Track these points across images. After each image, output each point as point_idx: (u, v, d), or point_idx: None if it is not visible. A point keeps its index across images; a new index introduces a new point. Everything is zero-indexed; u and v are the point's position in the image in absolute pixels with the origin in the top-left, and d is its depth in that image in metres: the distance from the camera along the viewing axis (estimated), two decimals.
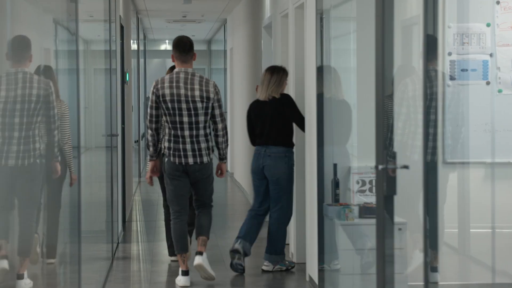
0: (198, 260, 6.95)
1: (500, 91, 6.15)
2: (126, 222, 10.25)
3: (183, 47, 6.99)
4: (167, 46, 24.34)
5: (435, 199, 4.69)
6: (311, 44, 6.98)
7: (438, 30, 4.42)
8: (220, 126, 6.98)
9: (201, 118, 6.87)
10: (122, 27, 10.01)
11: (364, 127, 5.98)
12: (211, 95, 6.89)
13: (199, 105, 6.84)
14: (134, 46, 14.19)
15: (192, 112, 6.83)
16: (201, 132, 6.89)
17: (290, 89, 8.13)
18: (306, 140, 7.27)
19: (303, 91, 7.60)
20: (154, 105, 6.89)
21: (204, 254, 7.00)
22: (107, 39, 8.09)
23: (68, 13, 5.47)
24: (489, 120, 6.03)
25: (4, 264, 4.88)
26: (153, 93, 6.88)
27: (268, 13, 9.88)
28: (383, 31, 4.54)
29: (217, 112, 6.94)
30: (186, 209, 7.09)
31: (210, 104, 6.89)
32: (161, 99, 6.85)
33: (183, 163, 6.90)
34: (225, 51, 18.10)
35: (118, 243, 8.86)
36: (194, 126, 6.86)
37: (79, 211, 5.68)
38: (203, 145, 6.90)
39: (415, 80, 5.42)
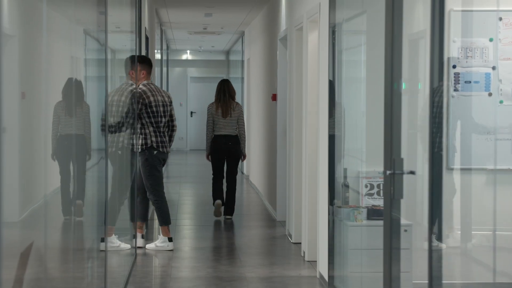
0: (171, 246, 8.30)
1: (501, 102, 6.13)
2: (148, 221, 10.27)
3: (151, 64, 8.50)
4: (188, 56, 24.39)
5: (439, 203, 4.68)
6: (324, 55, 6.99)
7: (443, 44, 4.42)
8: (175, 123, 8.56)
9: (168, 118, 8.39)
10: (147, 38, 10.04)
11: (372, 134, 5.98)
12: (171, 100, 8.53)
13: (167, 108, 8.35)
14: (157, 56, 14.23)
15: (165, 113, 8.31)
16: (166, 129, 8.42)
17: (303, 98, 8.14)
18: (319, 148, 7.28)
19: (316, 100, 7.60)
20: (143, 111, 8.19)
21: None
22: (133, 49, 8.11)
23: (98, 24, 5.50)
24: (491, 129, 6.02)
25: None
26: (141, 103, 8.13)
27: (284, 26, 9.89)
28: (392, 44, 4.54)
29: (173, 112, 8.51)
30: None
31: (170, 107, 8.44)
32: (147, 105, 8.14)
33: (166, 152, 8.36)
34: (242, 61, 18.12)
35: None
36: (165, 124, 8.36)
37: (105, 210, 5.70)
38: (166, 138, 8.41)
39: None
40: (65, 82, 4.54)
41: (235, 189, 10.40)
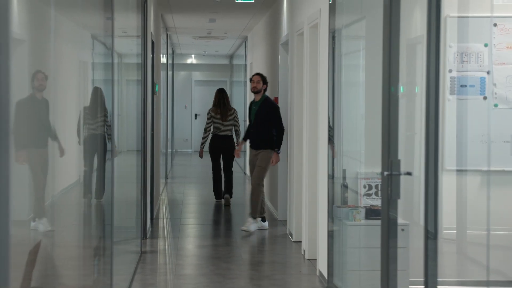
0: None
1: (496, 105, 6.13)
2: (153, 220, 10.28)
3: None
4: (193, 60, 24.40)
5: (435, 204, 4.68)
6: (324, 59, 6.99)
7: (440, 49, 4.42)
8: None
9: None
10: (152, 43, 10.05)
11: (371, 136, 5.98)
12: None
13: None
14: (163, 60, 14.24)
15: None
16: None
17: (304, 101, 8.14)
18: (319, 149, 7.28)
19: (316, 102, 7.60)
20: None
21: None
22: (139, 53, 8.12)
23: (105, 29, 5.51)
24: (485, 131, 6.02)
25: None
26: None
27: (285, 32, 9.89)
28: (390, 49, 4.55)
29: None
30: None
31: None
32: None
33: None
34: (245, 65, 18.12)
35: (146, 238, 8.88)
36: None
37: (112, 209, 5.70)
38: None
39: None
40: (92, 90, 4.99)
41: (232, 178, 12.16)
